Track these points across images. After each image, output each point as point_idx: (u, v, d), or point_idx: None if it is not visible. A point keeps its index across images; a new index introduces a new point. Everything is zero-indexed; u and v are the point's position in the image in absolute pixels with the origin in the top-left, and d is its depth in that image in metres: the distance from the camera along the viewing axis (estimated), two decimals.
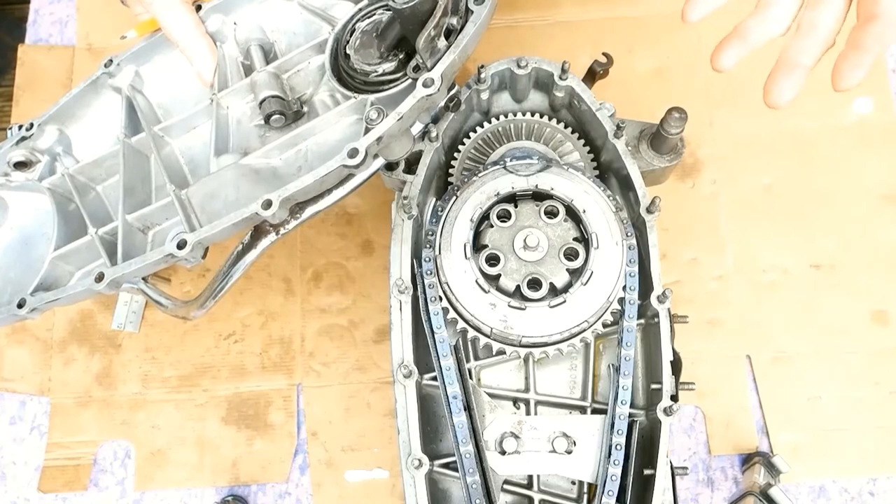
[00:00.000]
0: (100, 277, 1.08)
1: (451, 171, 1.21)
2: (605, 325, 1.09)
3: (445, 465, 1.08)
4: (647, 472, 1.07)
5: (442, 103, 1.17)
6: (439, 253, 1.07)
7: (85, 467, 1.52)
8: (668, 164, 1.20)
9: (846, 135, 1.65)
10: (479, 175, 1.12)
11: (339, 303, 1.59)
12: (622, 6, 1.75)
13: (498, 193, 1.10)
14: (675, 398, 1.09)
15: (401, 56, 1.08)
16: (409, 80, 1.07)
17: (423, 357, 1.10)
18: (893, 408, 1.51)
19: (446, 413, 1.03)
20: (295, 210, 1.12)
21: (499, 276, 1.07)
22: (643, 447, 1.07)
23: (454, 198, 1.10)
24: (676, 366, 1.10)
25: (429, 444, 1.10)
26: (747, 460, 1.47)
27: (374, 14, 1.13)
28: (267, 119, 1.14)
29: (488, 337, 1.07)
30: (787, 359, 1.54)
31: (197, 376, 1.56)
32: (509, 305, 1.05)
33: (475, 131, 1.23)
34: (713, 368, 1.52)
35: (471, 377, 1.11)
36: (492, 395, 1.10)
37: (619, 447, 1.03)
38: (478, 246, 1.10)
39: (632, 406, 1.07)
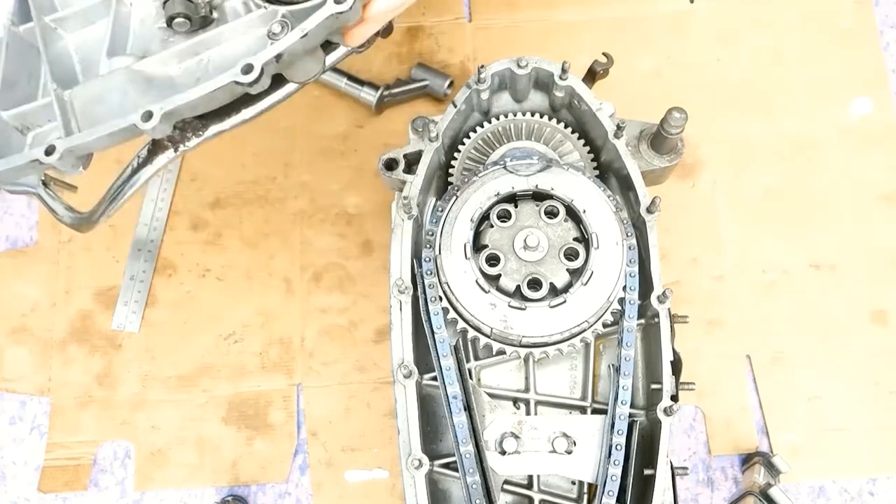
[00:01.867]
0: None
1: (451, 171, 1.21)
2: (605, 325, 1.09)
3: (445, 465, 1.08)
4: (647, 472, 1.07)
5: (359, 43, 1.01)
6: (439, 253, 1.07)
7: (85, 467, 1.52)
8: (668, 164, 1.20)
9: (846, 135, 1.65)
10: (480, 175, 1.12)
11: (339, 303, 1.59)
12: (622, 6, 1.75)
13: (498, 193, 1.10)
14: (675, 398, 1.09)
15: None
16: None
17: (423, 357, 1.10)
18: (893, 408, 1.51)
19: (446, 413, 1.03)
20: (198, 127, 1.00)
21: (499, 276, 1.07)
22: (643, 447, 1.07)
23: (454, 198, 1.10)
24: (676, 366, 1.11)
25: (429, 444, 1.10)
26: (747, 460, 1.47)
27: None
28: (170, 22, 1.00)
29: (488, 337, 1.07)
30: (787, 359, 1.54)
31: (197, 376, 1.56)
32: (509, 305, 1.05)
33: (475, 131, 1.23)
34: (713, 368, 1.52)
35: (471, 377, 1.11)
36: (492, 395, 1.10)
37: (619, 447, 1.03)
38: (478, 246, 1.10)
39: (632, 406, 1.07)
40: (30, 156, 0.95)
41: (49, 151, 0.94)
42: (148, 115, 0.90)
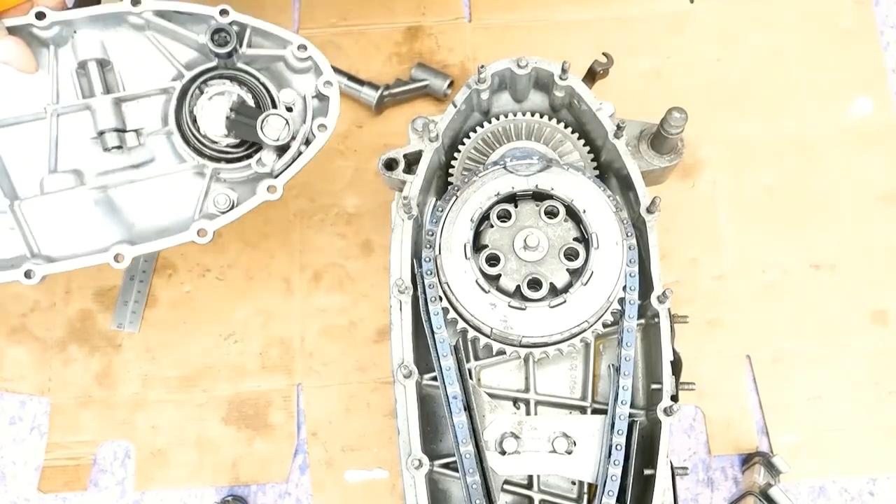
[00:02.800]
0: None
1: (451, 171, 1.21)
2: (605, 325, 1.09)
3: (445, 465, 1.08)
4: (647, 472, 1.07)
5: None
6: (439, 253, 1.07)
7: (85, 467, 1.52)
8: (668, 164, 1.20)
9: (846, 135, 1.65)
10: (480, 175, 1.12)
11: (339, 303, 1.59)
12: (622, 6, 1.75)
13: (498, 193, 1.10)
14: (675, 398, 1.09)
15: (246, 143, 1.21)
16: (249, 164, 1.20)
17: (423, 357, 1.10)
18: (893, 408, 1.51)
19: (446, 413, 1.03)
20: None
21: (499, 276, 1.07)
22: (643, 447, 1.07)
23: (454, 198, 1.10)
24: (676, 366, 1.11)
25: (429, 444, 1.10)
26: (747, 460, 1.47)
27: (223, 81, 1.20)
28: (105, 147, 1.20)
29: (488, 337, 1.07)
30: (787, 359, 1.54)
31: (197, 376, 1.56)
32: (509, 305, 1.05)
33: (475, 131, 1.23)
34: (713, 368, 1.52)
35: (471, 377, 1.11)
36: (492, 395, 1.11)
37: (619, 447, 1.03)
38: (478, 246, 1.10)
39: (632, 406, 1.07)
40: (11, 276, 1.14)
41: (28, 275, 1.14)
42: (121, 257, 1.15)
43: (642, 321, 1.13)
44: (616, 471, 1.02)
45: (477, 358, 1.14)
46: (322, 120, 1.20)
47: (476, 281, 1.05)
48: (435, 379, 1.09)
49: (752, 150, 1.65)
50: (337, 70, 1.68)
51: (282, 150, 1.18)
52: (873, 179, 1.63)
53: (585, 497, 1.13)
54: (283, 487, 1.51)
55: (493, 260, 1.08)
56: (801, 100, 1.68)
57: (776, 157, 1.65)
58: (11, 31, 1.16)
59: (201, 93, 1.19)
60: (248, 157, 1.20)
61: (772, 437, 1.49)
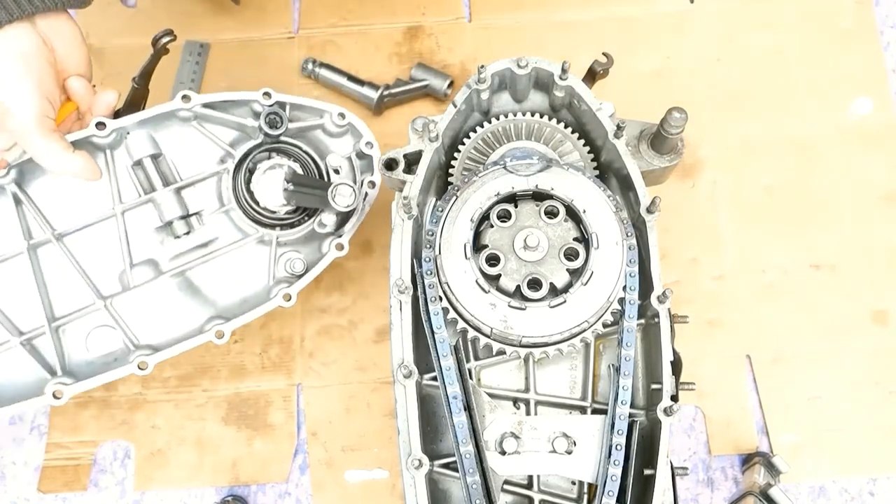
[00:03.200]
0: (59, 395, 1.19)
1: (451, 171, 1.21)
2: (605, 325, 1.09)
3: (445, 466, 1.08)
4: (647, 472, 1.07)
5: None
6: (439, 253, 1.07)
7: (85, 467, 1.52)
8: (668, 164, 1.19)
9: (846, 135, 1.66)
10: (480, 175, 1.12)
11: (339, 303, 1.59)
12: (622, 6, 1.75)
13: (498, 193, 1.10)
14: (675, 398, 1.09)
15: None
16: (309, 224, 1.31)
17: (423, 357, 1.10)
18: (893, 408, 1.51)
19: (446, 413, 1.03)
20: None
21: (499, 276, 1.07)
22: (643, 447, 1.07)
23: (454, 198, 1.10)
24: (676, 366, 1.10)
25: (429, 444, 1.10)
26: (747, 460, 1.47)
27: (271, 155, 1.30)
28: (175, 235, 1.28)
29: (488, 337, 1.07)
30: (787, 359, 1.54)
31: (197, 376, 1.56)
32: (509, 305, 1.05)
33: (475, 131, 1.22)
34: (713, 368, 1.53)
35: (471, 377, 1.11)
36: (492, 395, 1.10)
37: (619, 447, 1.03)
38: (478, 246, 1.10)
39: (632, 406, 1.06)
40: (126, 370, 1.21)
41: (142, 367, 1.21)
42: (221, 334, 1.23)
43: (642, 321, 1.13)
44: (616, 471, 1.02)
45: (477, 358, 1.14)
46: (370, 177, 1.34)
47: (476, 281, 1.05)
48: (435, 379, 1.09)
49: (752, 150, 1.65)
50: (336, 69, 1.68)
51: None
52: (873, 179, 1.63)
53: (585, 497, 1.13)
54: (283, 487, 1.51)
55: (493, 260, 1.08)
56: (801, 100, 1.68)
57: (776, 157, 1.65)
58: (74, 144, 1.20)
59: (252, 170, 1.28)
60: (303, 219, 1.31)
61: (772, 437, 1.49)
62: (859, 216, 1.61)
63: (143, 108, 1.30)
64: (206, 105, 1.27)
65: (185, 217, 1.28)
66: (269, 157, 1.30)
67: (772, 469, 1.40)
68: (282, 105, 1.29)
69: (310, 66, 1.68)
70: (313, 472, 1.51)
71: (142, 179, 1.28)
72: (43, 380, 1.22)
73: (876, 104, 1.67)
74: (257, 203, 1.29)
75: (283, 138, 1.29)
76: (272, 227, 1.30)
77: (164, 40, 1.27)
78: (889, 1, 1.75)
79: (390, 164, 1.18)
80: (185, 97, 1.24)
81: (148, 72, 1.29)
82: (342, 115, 1.32)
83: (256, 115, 1.30)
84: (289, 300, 1.26)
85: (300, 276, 1.30)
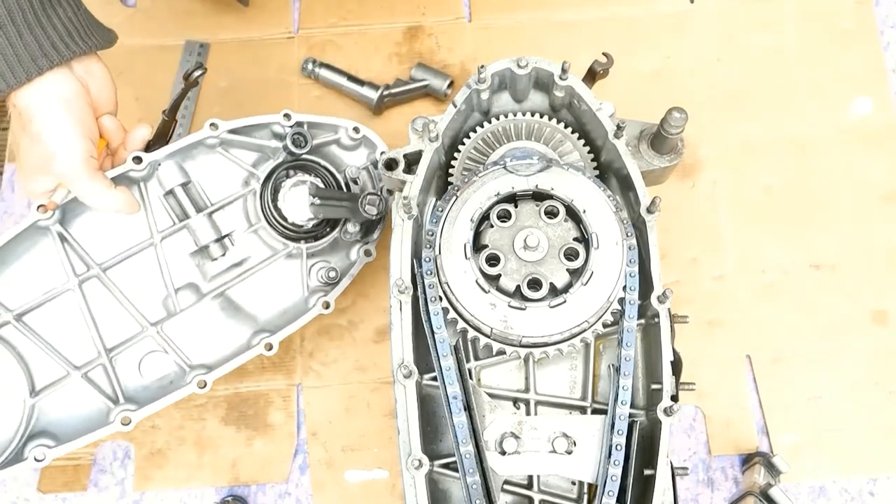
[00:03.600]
0: (127, 422, 1.24)
1: (451, 171, 1.21)
2: (605, 326, 1.09)
3: (445, 466, 1.08)
4: (647, 472, 1.07)
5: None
6: (439, 253, 1.07)
7: (85, 467, 1.52)
8: (668, 164, 1.19)
9: (846, 135, 1.65)
10: (480, 175, 1.12)
11: (338, 303, 1.59)
12: (622, 6, 1.75)
13: (498, 193, 1.10)
14: (675, 398, 1.09)
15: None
16: (334, 234, 1.39)
17: (423, 357, 1.10)
18: (893, 408, 1.51)
19: (446, 413, 1.03)
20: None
21: (499, 276, 1.07)
22: (643, 447, 1.07)
23: (454, 198, 1.10)
24: (676, 366, 1.10)
25: (429, 445, 1.10)
26: (747, 460, 1.47)
27: (294, 172, 1.36)
28: (212, 258, 1.34)
29: (488, 337, 1.07)
30: (787, 359, 1.54)
31: None
32: (509, 305, 1.05)
33: (475, 131, 1.22)
34: (713, 368, 1.52)
35: (471, 377, 1.11)
36: (492, 395, 1.10)
37: (619, 447, 1.03)
38: (478, 246, 1.10)
39: (632, 406, 1.06)
40: (187, 391, 1.28)
41: (201, 385, 1.28)
42: (269, 346, 1.32)
43: (642, 321, 1.13)
44: (616, 471, 1.02)
45: (477, 358, 1.14)
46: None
47: (476, 281, 1.05)
48: (435, 379, 1.09)
49: (752, 150, 1.65)
50: (336, 69, 1.68)
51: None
52: (873, 179, 1.63)
53: (585, 497, 1.13)
54: (283, 487, 1.51)
55: (493, 260, 1.08)
56: (801, 100, 1.68)
57: (776, 157, 1.65)
58: (112, 180, 1.23)
59: (276, 188, 1.34)
60: (326, 231, 1.39)
61: (772, 437, 1.49)
62: (859, 216, 1.60)
63: (171, 138, 1.33)
64: (231, 131, 1.32)
65: (220, 240, 1.33)
66: (291, 175, 1.36)
67: (772, 469, 1.40)
68: (300, 124, 1.35)
69: (310, 66, 1.68)
70: (313, 472, 1.51)
71: (174, 207, 1.32)
72: (104, 409, 1.28)
73: (876, 104, 1.67)
74: (285, 219, 1.35)
75: (304, 156, 1.36)
76: (298, 240, 1.37)
77: (196, 74, 1.28)
78: (889, 1, 1.75)
79: (390, 164, 1.18)
80: (212, 125, 1.29)
81: (177, 104, 1.31)
82: (357, 130, 1.39)
83: (276, 136, 1.36)
84: (327, 307, 1.36)
85: (333, 284, 1.39)
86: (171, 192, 1.31)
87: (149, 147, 1.29)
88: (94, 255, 1.29)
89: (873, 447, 1.49)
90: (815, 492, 1.48)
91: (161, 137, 1.31)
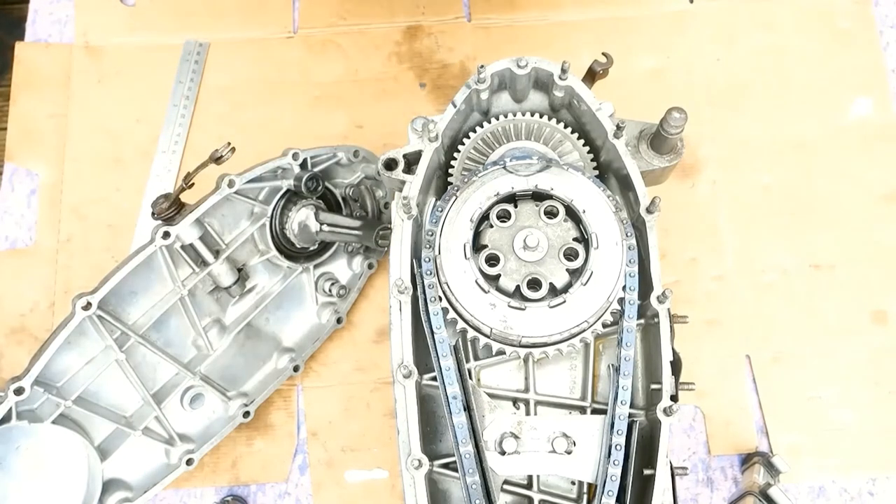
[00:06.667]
0: (190, 461, 1.37)
1: (451, 171, 1.21)
2: (604, 326, 1.09)
3: (445, 466, 1.08)
4: (646, 472, 1.07)
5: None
6: (439, 253, 1.07)
7: None
8: (668, 164, 1.19)
9: (846, 135, 1.65)
10: (479, 175, 1.12)
11: None
12: (622, 6, 1.75)
13: (498, 193, 1.10)
14: (674, 398, 1.09)
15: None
16: (335, 247, 1.49)
17: (423, 357, 1.10)
18: (893, 408, 1.51)
19: (446, 413, 1.03)
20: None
21: (499, 276, 1.07)
22: (643, 447, 1.07)
23: (454, 198, 1.10)
24: (676, 366, 1.10)
25: (429, 445, 1.10)
26: (747, 460, 1.47)
27: (291, 198, 1.38)
28: (232, 297, 1.40)
29: (488, 337, 1.07)
30: (786, 359, 1.54)
31: None
32: (509, 305, 1.05)
33: (475, 131, 1.22)
34: (713, 368, 1.52)
35: (470, 377, 1.11)
36: (492, 395, 1.10)
37: (618, 447, 1.03)
38: (478, 246, 1.10)
39: (632, 406, 1.06)
40: (235, 423, 1.44)
41: (246, 415, 1.43)
42: (296, 367, 1.48)
43: (642, 321, 1.13)
44: (616, 471, 1.02)
45: (477, 358, 1.14)
46: (386, 198, 1.51)
47: (476, 281, 1.05)
48: (435, 379, 1.09)
49: (752, 150, 1.65)
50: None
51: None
52: (873, 179, 1.63)
53: (585, 497, 1.13)
54: (283, 487, 1.51)
55: (492, 260, 1.08)
56: (801, 100, 1.68)
57: (776, 157, 1.65)
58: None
59: (284, 217, 1.37)
60: (325, 247, 1.47)
61: (771, 437, 1.49)
62: (859, 216, 1.60)
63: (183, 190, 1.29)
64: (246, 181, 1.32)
65: (238, 280, 1.37)
66: (296, 203, 1.38)
67: (771, 469, 1.40)
68: (304, 162, 1.37)
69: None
70: (313, 472, 1.51)
71: (192, 256, 1.32)
72: (163, 453, 1.37)
73: (876, 104, 1.67)
74: (293, 245, 1.40)
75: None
76: (305, 259, 1.44)
77: (225, 156, 1.25)
78: (889, 1, 1.75)
79: (390, 165, 1.18)
80: (230, 182, 1.28)
81: (195, 173, 1.27)
82: (357, 153, 1.45)
83: (282, 170, 1.35)
84: (340, 322, 1.51)
85: (341, 297, 1.49)
86: (189, 245, 1.31)
87: (164, 212, 1.26)
88: (128, 319, 1.30)
89: (873, 447, 1.49)
90: (814, 492, 1.48)
91: (176, 203, 1.27)
